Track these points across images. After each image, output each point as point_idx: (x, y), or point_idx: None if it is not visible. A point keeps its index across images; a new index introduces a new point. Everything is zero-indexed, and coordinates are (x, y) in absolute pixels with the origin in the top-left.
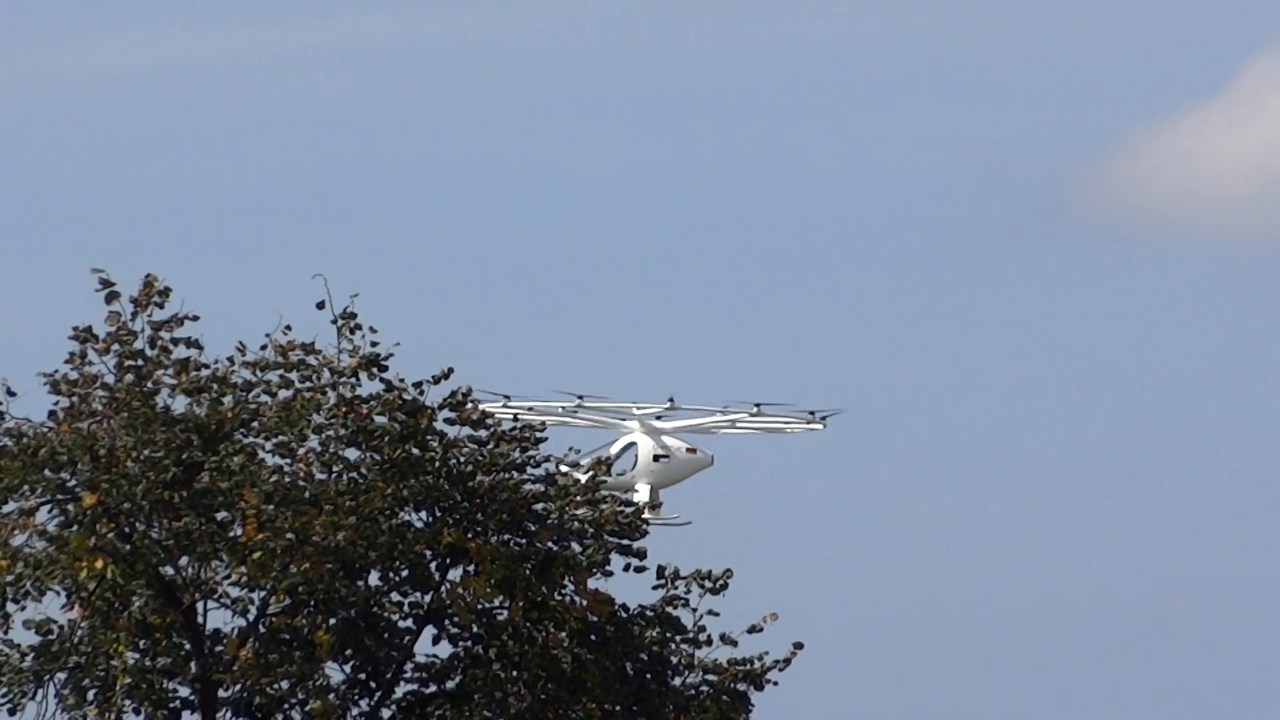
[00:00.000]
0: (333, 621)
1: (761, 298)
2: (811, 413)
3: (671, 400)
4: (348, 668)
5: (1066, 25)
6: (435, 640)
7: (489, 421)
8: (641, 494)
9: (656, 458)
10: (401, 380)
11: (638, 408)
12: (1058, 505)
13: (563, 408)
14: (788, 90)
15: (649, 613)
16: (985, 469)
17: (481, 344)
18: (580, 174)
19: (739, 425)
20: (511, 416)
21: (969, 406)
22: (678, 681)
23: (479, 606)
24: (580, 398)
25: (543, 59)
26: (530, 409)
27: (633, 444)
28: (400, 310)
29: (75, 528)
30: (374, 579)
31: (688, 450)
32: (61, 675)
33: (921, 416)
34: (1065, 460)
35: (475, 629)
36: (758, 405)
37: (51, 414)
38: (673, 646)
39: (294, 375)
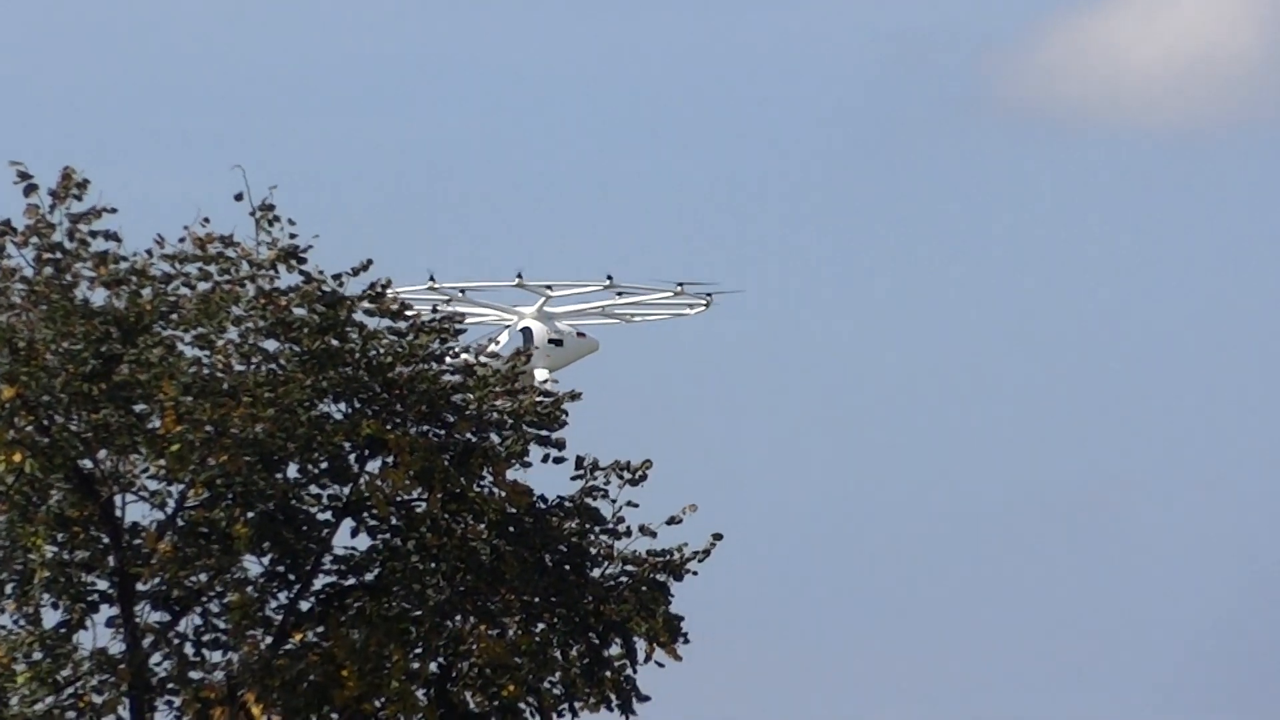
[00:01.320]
0: (251, 514)
1: (679, 181)
2: (680, 284)
3: (610, 278)
4: (266, 560)
5: None
6: (354, 533)
7: (408, 313)
8: (537, 378)
9: (551, 341)
10: (321, 272)
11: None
12: (974, 394)
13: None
14: None
15: (568, 504)
16: (902, 357)
17: (400, 234)
18: (498, 60)
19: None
20: (431, 308)
21: (888, 293)
22: (597, 573)
23: (398, 498)
24: (520, 275)
25: None
26: (463, 290)
27: (527, 328)
28: (319, 202)
29: None
30: (292, 471)
31: (578, 335)
32: None
33: (838, 301)
34: (980, 347)
35: (394, 521)
36: (680, 284)
37: None
38: (592, 538)
39: (213, 268)
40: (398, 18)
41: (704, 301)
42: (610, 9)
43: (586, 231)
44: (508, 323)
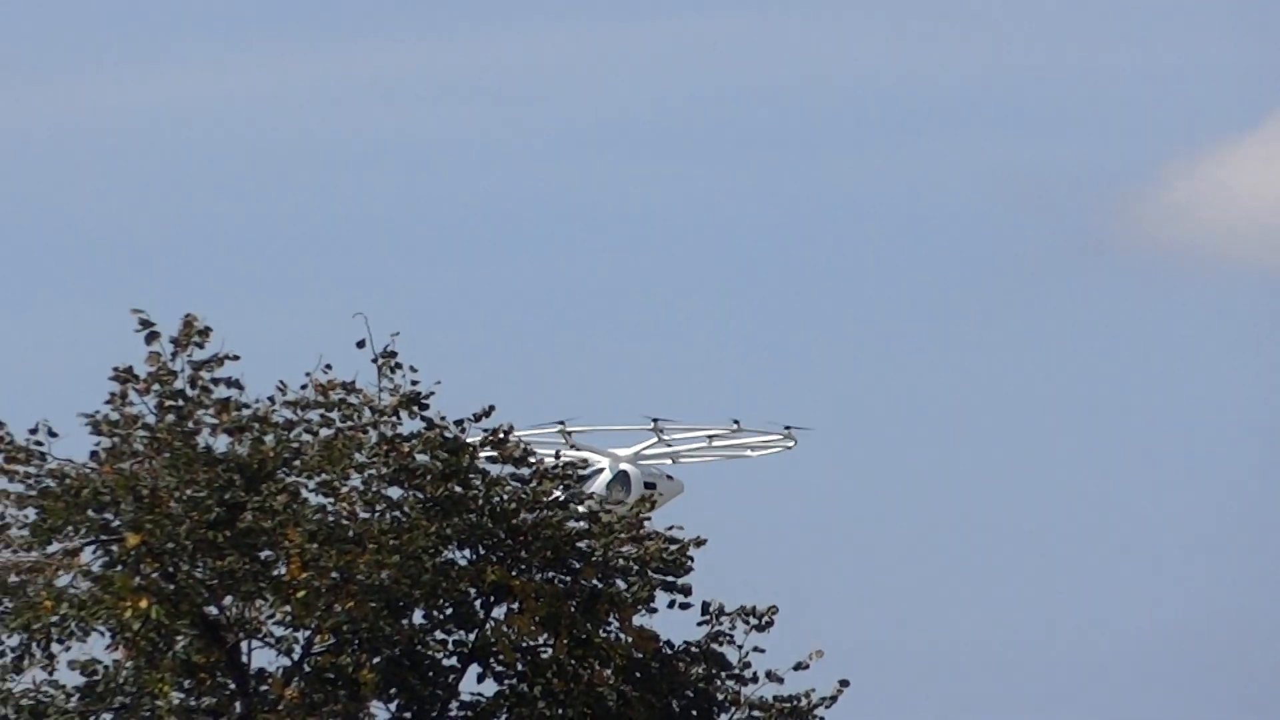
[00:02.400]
0: (377, 660)
1: (792, 325)
2: (787, 428)
3: (737, 422)
4: (393, 706)
5: (1104, 55)
6: (480, 678)
7: (531, 459)
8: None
9: (646, 485)
10: (443, 418)
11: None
12: (1092, 535)
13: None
14: (822, 120)
15: (694, 649)
16: (1017, 501)
17: (524, 381)
18: (622, 208)
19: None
20: (554, 454)
21: (1002, 436)
22: (724, 718)
23: (523, 644)
24: (562, 424)
25: (581, 93)
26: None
27: (623, 472)
28: (440, 348)
29: (119, 568)
30: (418, 617)
31: (667, 478)
32: (107, 716)
33: (951, 441)
34: (1097, 489)
35: (520, 667)
36: (736, 421)
37: (93, 454)
38: (718, 683)
39: (335, 414)
40: (524, 162)
41: (791, 440)
42: (717, 154)
43: (697, 370)
44: (600, 465)
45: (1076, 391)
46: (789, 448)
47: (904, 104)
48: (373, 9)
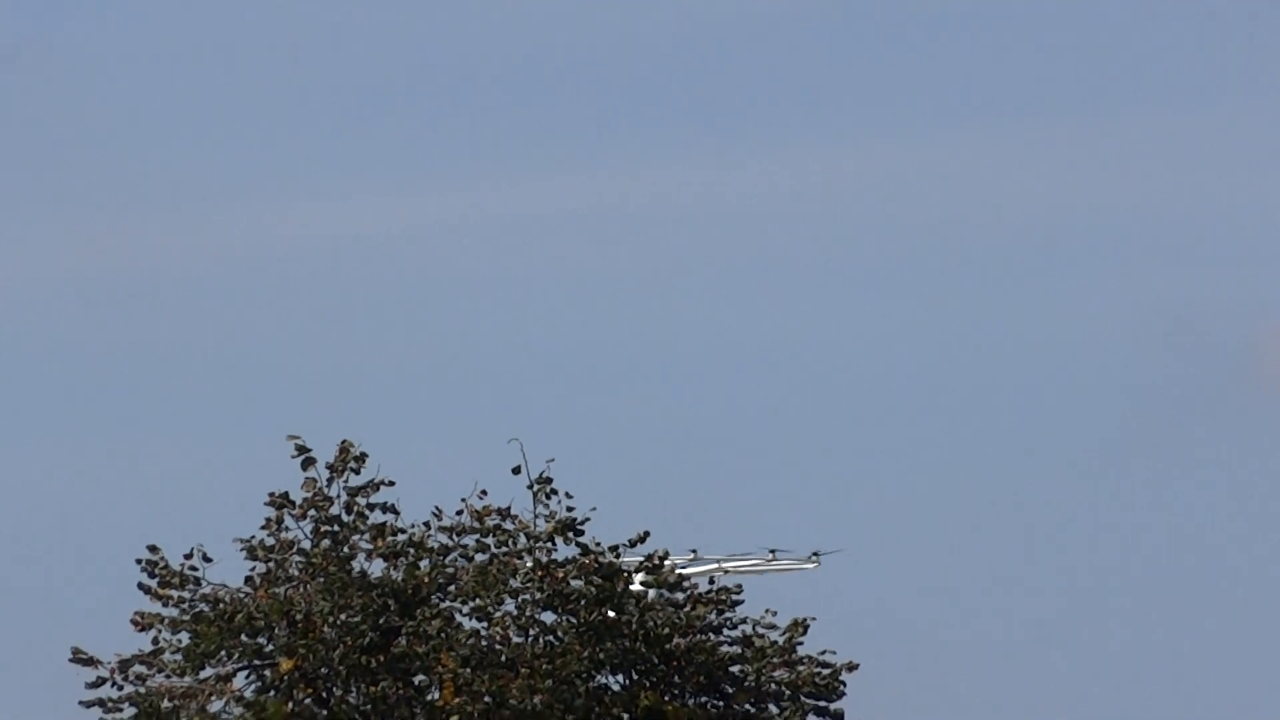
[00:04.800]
0: None
1: (933, 471)
2: (815, 554)
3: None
4: None
5: (1257, 182)
6: None
7: (685, 584)
8: None
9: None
10: (597, 544)
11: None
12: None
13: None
14: (959, 256)
15: None
16: (1194, 644)
17: (676, 507)
18: (768, 338)
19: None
20: (708, 579)
21: (1167, 585)
22: None
23: None
24: (772, 551)
25: (736, 222)
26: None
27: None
28: (595, 474)
29: (272, 693)
30: None
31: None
32: None
33: (1114, 600)
34: (1259, 648)
35: None
36: (772, 551)
37: (248, 579)
38: None
39: (490, 540)
40: (676, 291)
41: (815, 562)
42: (865, 286)
43: (825, 503)
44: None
45: (1236, 526)
46: (808, 568)
47: (1050, 237)
48: (534, 141)
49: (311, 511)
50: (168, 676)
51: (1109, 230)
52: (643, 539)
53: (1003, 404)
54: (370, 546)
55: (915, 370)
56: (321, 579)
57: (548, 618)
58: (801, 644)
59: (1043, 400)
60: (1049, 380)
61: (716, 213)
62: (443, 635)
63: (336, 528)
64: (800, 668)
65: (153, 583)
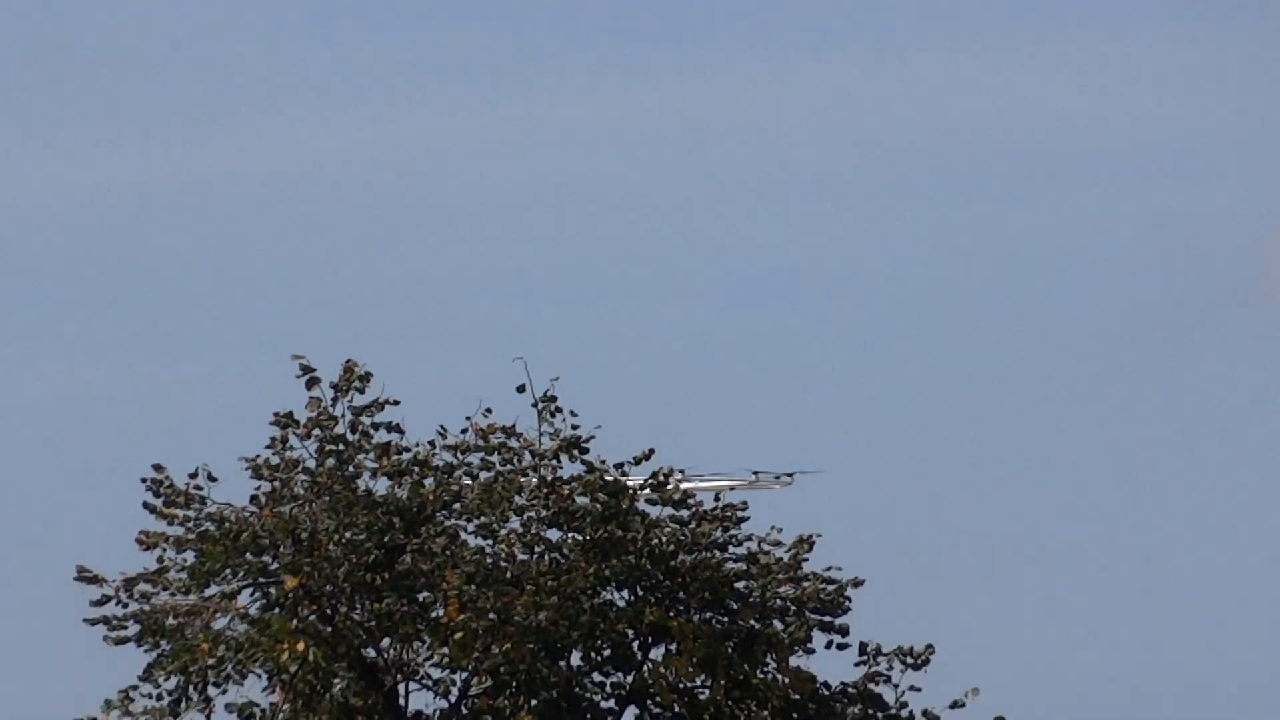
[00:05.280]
0: (535, 702)
1: (934, 387)
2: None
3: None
4: None
5: (1260, 103)
6: None
7: (690, 501)
8: None
9: None
10: (603, 461)
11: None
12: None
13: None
14: (965, 170)
15: (851, 690)
16: (1188, 558)
17: (682, 424)
18: (772, 254)
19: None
20: (713, 496)
21: (1158, 496)
22: None
23: (681, 685)
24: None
25: (738, 139)
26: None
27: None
28: (600, 392)
29: (277, 611)
30: (576, 659)
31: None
32: None
33: (1110, 505)
34: (1272, 552)
35: (677, 708)
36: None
37: (253, 498)
38: None
39: (495, 458)
40: (681, 206)
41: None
42: (872, 200)
43: (842, 418)
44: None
45: (1239, 447)
46: (778, 487)
47: (1050, 153)
48: (537, 57)
49: (316, 430)
50: (172, 595)
51: (1108, 145)
52: (647, 456)
53: (1002, 319)
54: (375, 465)
55: (915, 285)
56: (326, 497)
57: (553, 535)
58: (807, 560)
59: (1042, 314)
60: (1048, 295)
61: (716, 128)
62: (448, 553)
63: (341, 446)
64: (805, 584)
65: (158, 502)
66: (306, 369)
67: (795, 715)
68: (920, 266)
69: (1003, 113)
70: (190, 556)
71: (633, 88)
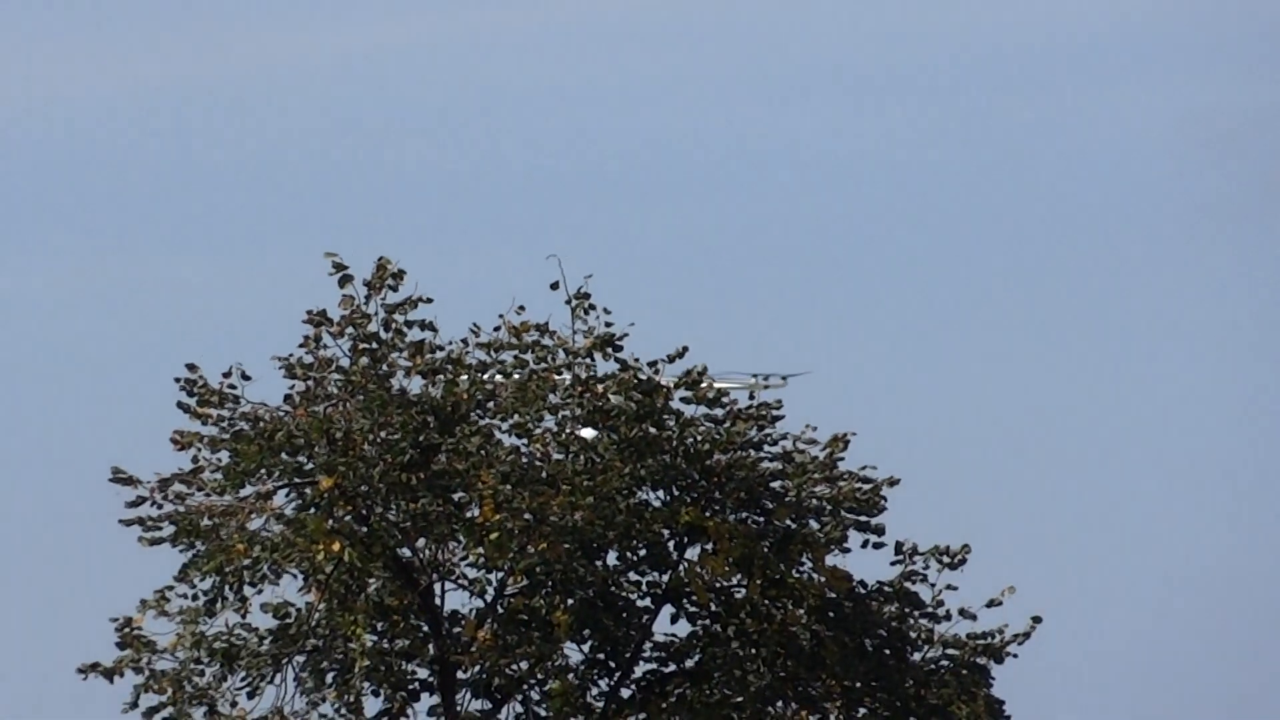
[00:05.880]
0: (571, 601)
1: (966, 281)
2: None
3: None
4: (586, 647)
5: None
6: (674, 619)
7: (725, 400)
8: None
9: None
10: (636, 360)
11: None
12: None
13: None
14: (995, 66)
15: (887, 588)
16: (1208, 436)
17: (717, 321)
18: (805, 150)
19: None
20: (748, 395)
21: (1195, 388)
22: (917, 657)
23: (717, 585)
24: (754, 376)
25: (769, 35)
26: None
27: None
28: (634, 290)
29: (312, 511)
30: (612, 558)
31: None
32: (300, 658)
33: (1147, 399)
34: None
35: (713, 607)
36: (754, 376)
37: (287, 398)
38: (911, 622)
39: (529, 356)
40: (713, 102)
41: (781, 382)
42: (900, 98)
43: (858, 320)
44: None
45: (1269, 339)
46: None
47: (1080, 49)
48: None
49: (349, 329)
50: (207, 495)
51: (1147, 42)
52: (680, 354)
53: (1039, 215)
54: (409, 364)
55: (955, 183)
56: (360, 396)
57: (588, 434)
58: (842, 459)
59: (1081, 209)
60: (1086, 188)
61: (755, 27)
62: (482, 452)
63: (375, 345)
64: (841, 483)
65: (192, 401)
66: (339, 266)
67: (831, 614)
68: (962, 164)
69: (1039, 7)
70: (225, 456)
71: None
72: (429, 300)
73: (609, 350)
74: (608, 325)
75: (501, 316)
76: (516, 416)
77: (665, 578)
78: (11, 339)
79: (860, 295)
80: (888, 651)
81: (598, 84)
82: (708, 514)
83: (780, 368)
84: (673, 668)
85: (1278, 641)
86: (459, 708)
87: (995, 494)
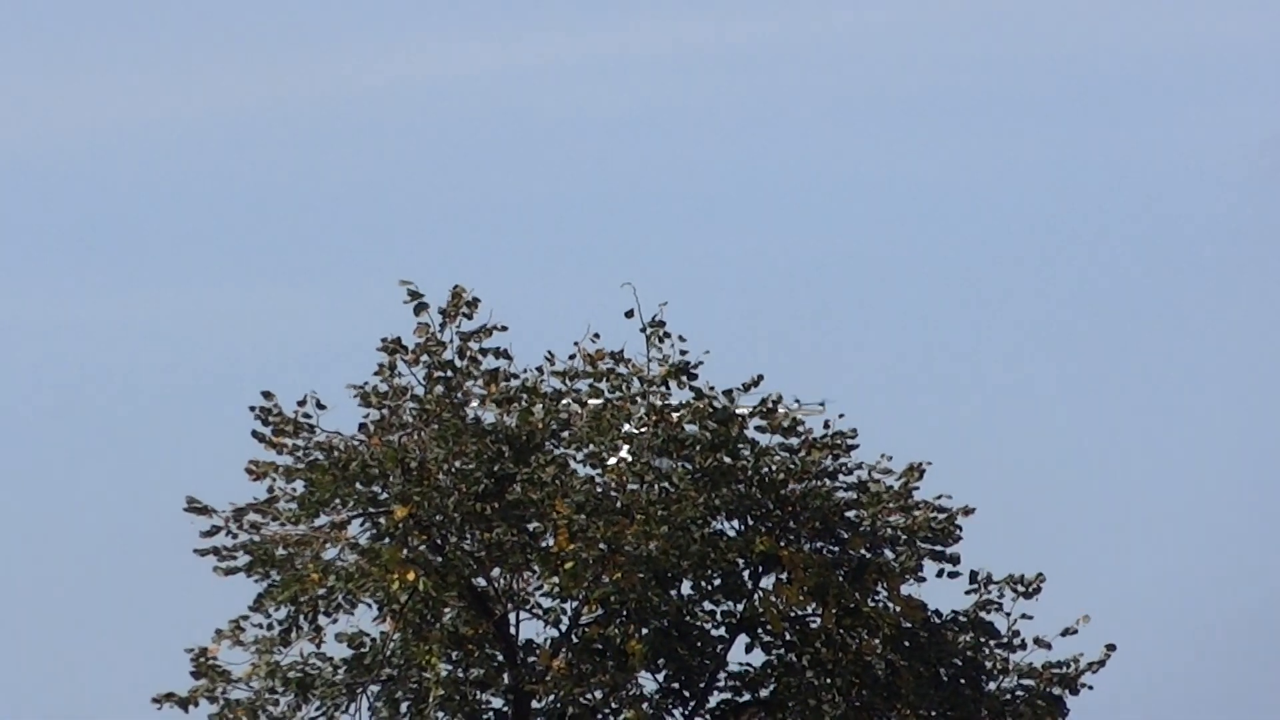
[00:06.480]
0: (645, 631)
1: (1048, 306)
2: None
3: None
4: (661, 677)
5: None
6: (748, 648)
7: (800, 429)
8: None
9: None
10: (711, 388)
11: None
12: None
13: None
14: (1076, 90)
15: (962, 618)
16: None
17: (791, 351)
18: (881, 180)
19: None
20: (823, 424)
21: (1275, 425)
22: (992, 686)
23: (792, 614)
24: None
25: (852, 61)
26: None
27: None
28: (709, 318)
29: (387, 540)
30: (686, 588)
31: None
32: (374, 688)
33: (1225, 428)
34: None
35: (788, 636)
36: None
37: (362, 427)
38: (986, 651)
39: (603, 384)
40: (791, 131)
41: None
42: (989, 124)
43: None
44: None
45: None
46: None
47: (1158, 70)
48: None
49: (424, 357)
50: (282, 525)
51: (1217, 63)
52: (756, 383)
53: (1116, 242)
54: (484, 392)
55: (1029, 208)
56: (435, 425)
57: (662, 463)
58: (917, 489)
59: (1157, 236)
60: (1163, 215)
61: (831, 54)
62: (557, 481)
63: (450, 373)
64: (916, 512)
65: (267, 430)
66: (414, 294)
67: (906, 643)
68: (1034, 189)
69: (1108, 30)
70: (300, 486)
71: (744, 13)
72: (504, 328)
73: (684, 378)
74: (683, 353)
75: (576, 344)
76: (591, 445)
77: (740, 607)
78: (88, 368)
79: (937, 323)
80: (963, 681)
81: (673, 110)
82: (782, 543)
83: (853, 395)
84: (747, 697)
85: None
86: None
87: (1070, 522)
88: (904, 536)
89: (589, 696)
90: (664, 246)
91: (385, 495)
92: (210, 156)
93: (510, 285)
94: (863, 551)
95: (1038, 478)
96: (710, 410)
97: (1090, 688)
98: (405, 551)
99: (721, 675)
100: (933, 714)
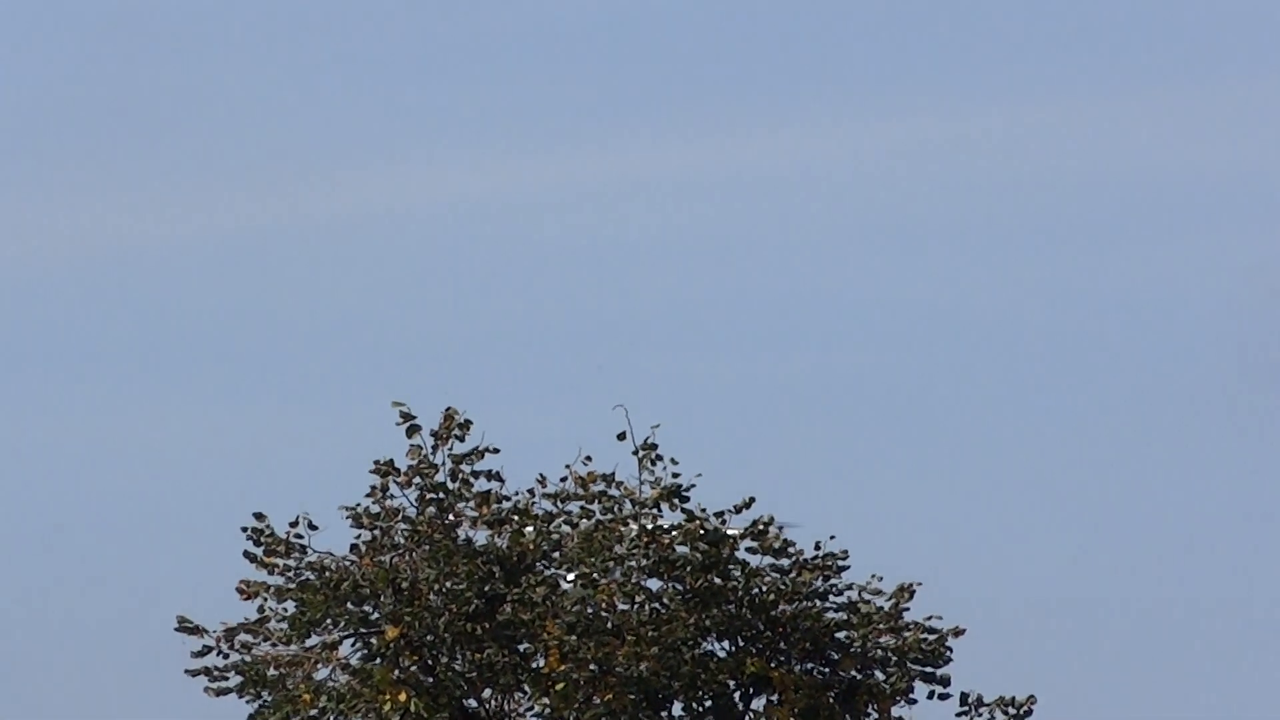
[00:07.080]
0: None
1: (1037, 430)
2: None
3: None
4: None
5: None
6: None
7: (790, 550)
8: None
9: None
10: (703, 510)
11: None
12: None
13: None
14: (1058, 218)
15: None
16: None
17: (782, 473)
18: (873, 303)
19: None
20: (814, 545)
21: (1270, 543)
22: None
23: None
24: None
25: (837, 188)
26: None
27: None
28: (701, 440)
29: (378, 661)
30: (677, 709)
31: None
32: None
33: (1217, 553)
34: None
35: None
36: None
37: (354, 547)
38: None
39: (595, 506)
40: (782, 256)
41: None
42: (983, 252)
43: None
44: None
45: None
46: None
47: (1151, 197)
48: (636, 109)
49: (416, 479)
50: (273, 645)
51: (1210, 191)
52: (748, 505)
53: (1107, 368)
54: (475, 514)
55: (1019, 335)
56: (427, 546)
57: (654, 584)
58: (908, 609)
59: (1146, 362)
60: (1151, 343)
61: (820, 177)
62: (548, 602)
63: (441, 495)
64: (906, 633)
65: (258, 551)
66: (406, 416)
67: None
68: (1024, 315)
69: (1100, 158)
70: (291, 606)
71: (735, 138)
72: (496, 450)
73: (676, 501)
74: (675, 475)
75: (568, 467)
76: (582, 566)
77: None
78: (78, 486)
79: (925, 447)
80: None
81: (664, 235)
82: (773, 664)
83: (845, 517)
84: None
85: None
86: None
87: (1061, 644)
88: (894, 658)
89: None
90: (657, 370)
91: (377, 615)
92: (202, 277)
93: (502, 408)
94: (854, 673)
95: (1028, 598)
96: (702, 532)
97: None
98: (397, 672)
99: None
100: None
